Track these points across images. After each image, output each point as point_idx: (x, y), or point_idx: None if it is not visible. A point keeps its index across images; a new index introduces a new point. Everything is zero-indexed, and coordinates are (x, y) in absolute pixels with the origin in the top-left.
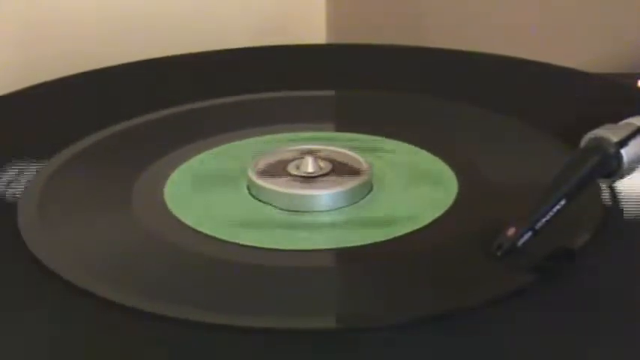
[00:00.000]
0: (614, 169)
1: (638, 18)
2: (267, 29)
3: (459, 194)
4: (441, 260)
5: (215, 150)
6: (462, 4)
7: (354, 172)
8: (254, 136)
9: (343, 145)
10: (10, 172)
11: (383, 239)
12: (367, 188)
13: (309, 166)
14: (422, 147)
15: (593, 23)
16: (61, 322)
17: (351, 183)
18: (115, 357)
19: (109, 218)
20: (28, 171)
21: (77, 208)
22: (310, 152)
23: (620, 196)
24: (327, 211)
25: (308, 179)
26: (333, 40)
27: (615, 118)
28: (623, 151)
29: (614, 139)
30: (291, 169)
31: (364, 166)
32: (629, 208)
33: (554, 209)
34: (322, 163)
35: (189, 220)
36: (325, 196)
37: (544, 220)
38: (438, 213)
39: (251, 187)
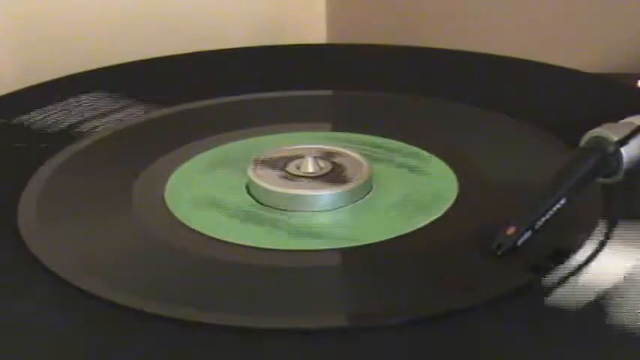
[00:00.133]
0: (614, 168)
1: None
2: (267, 29)
3: (459, 194)
4: (441, 260)
5: (215, 150)
6: (462, 4)
7: (353, 172)
8: (254, 136)
9: (343, 145)
10: (10, 172)
11: (383, 239)
12: (367, 188)
13: (309, 166)
14: (422, 147)
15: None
16: (61, 322)
17: (351, 183)
18: (115, 357)
19: (108, 218)
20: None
21: (77, 208)
22: (310, 152)
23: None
24: (327, 211)
25: (308, 179)
26: (333, 40)
27: (615, 118)
28: (623, 150)
29: (614, 137)
30: (291, 169)
31: (364, 166)
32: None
33: (554, 208)
34: (322, 163)
35: (189, 220)
36: (325, 196)
37: (544, 219)
38: (438, 213)
39: (251, 188)
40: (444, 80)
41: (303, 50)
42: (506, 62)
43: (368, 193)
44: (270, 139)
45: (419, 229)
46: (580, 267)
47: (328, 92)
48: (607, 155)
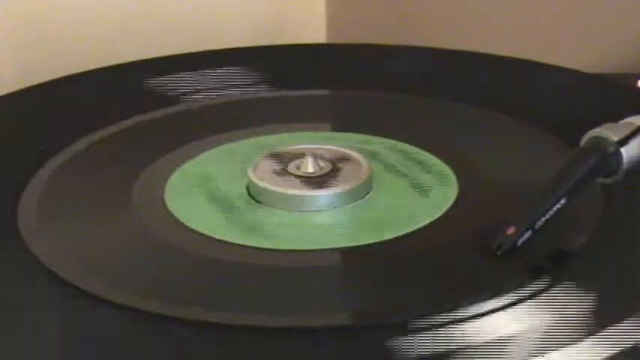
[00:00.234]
0: (614, 168)
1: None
2: (266, 29)
3: (459, 194)
4: (441, 260)
5: (215, 150)
6: (462, 4)
7: (353, 172)
8: (254, 136)
9: (343, 145)
10: (11, 172)
11: (383, 239)
12: (367, 188)
13: (309, 166)
14: (422, 147)
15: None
16: (61, 322)
17: (351, 183)
18: (115, 357)
19: (109, 218)
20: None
21: (77, 208)
22: (310, 152)
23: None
24: (327, 211)
25: (308, 179)
26: (333, 40)
27: (615, 118)
28: (623, 150)
29: (615, 137)
30: (291, 169)
31: (364, 165)
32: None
33: (554, 208)
34: (322, 163)
35: (189, 220)
36: (325, 196)
37: (544, 219)
38: (438, 213)
39: (251, 188)
40: (444, 80)
41: (303, 50)
42: (506, 62)
43: (368, 193)
44: (270, 139)
45: (419, 229)
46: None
47: (328, 92)
48: (607, 155)
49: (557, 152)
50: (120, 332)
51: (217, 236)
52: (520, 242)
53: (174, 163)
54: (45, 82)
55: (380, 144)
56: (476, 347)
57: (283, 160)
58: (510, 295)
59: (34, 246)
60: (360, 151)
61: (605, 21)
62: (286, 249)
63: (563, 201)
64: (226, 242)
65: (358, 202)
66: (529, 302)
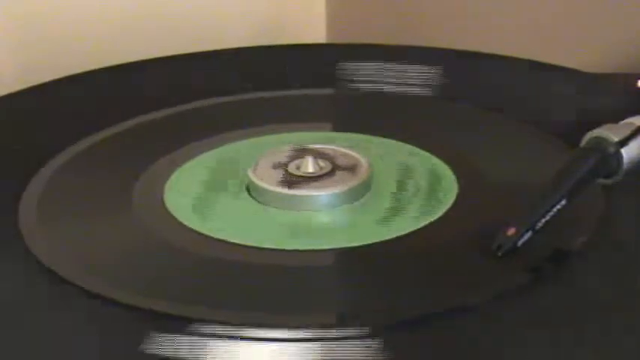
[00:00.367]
0: (614, 168)
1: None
2: (266, 29)
3: (459, 194)
4: (441, 260)
5: (215, 150)
6: (462, 3)
7: (353, 172)
8: (253, 136)
9: (343, 145)
10: (11, 172)
11: (383, 239)
12: (367, 188)
13: (309, 166)
14: (421, 147)
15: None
16: (61, 322)
17: (351, 183)
18: (115, 356)
19: (108, 218)
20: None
21: (78, 209)
22: (310, 152)
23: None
24: (327, 211)
25: (308, 179)
26: (333, 40)
27: (615, 118)
28: (624, 151)
29: (615, 138)
30: (291, 169)
31: (364, 165)
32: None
33: (555, 209)
34: (322, 163)
35: (188, 220)
36: (325, 196)
37: (544, 219)
38: (438, 213)
39: (251, 188)
40: (444, 80)
41: (303, 50)
42: (506, 62)
43: (367, 192)
44: (270, 139)
45: (419, 229)
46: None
47: (328, 92)
48: (607, 156)
49: (557, 152)
50: (120, 332)
51: (217, 236)
52: (520, 243)
53: (174, 163)
54: (45, 83)
55: (380, 144)
56: (476, 347)
57: (283, 160)
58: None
59: (35, 246)
60: (360, 151)
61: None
62: (286, 249)
63: (563, 201)
64: (226, 242)
65: (358, 201)
66: (529, 302)
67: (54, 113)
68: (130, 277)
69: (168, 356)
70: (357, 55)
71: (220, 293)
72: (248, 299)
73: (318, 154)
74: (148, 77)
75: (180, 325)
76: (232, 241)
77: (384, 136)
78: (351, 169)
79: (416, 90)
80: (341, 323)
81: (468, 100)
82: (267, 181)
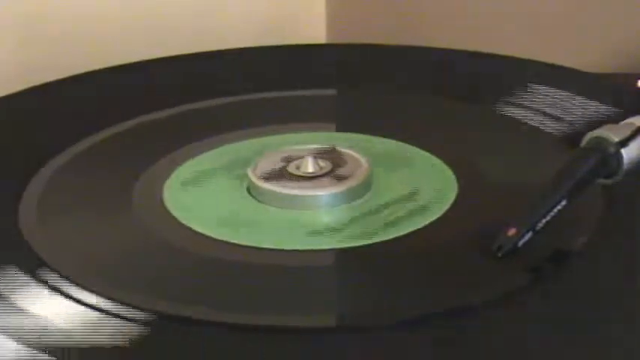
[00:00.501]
0: (615, 169)
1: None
2: (267, 29)
3: (459, 194)
4: (441, 260)
5: (215, 150)
6: (462, 3)
7: (353, 172)
8: (253, 137)
9: (343, 145)
10: (12, 172)
11: (383, 239)
12: (367, 188)
13: (309, 166)
14: (422, 147)
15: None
16: (61, 322)
17: (351, 183)
18: (115, 356)
19: (108, 218)
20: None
21: (77, 208)
22: (310, 152)
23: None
24: (327, 211)
25: (308, 179)
26: (333, 40)
27: (615, 118)
28: (624, 151)
29: (615, 138)
30: (291, 169)
31: (364, 165)
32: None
33: (555, 209)
34: (322, 163)
35: (188, 220)
36: (325, 195)
37: (544, 220)
38: (438, 213)
39: (251, 188)
40: (444, 80)
41: (303, 50)
42: (506, 62)
43: (367, 192)
44: (270, 140)
45: (419, 229)
46: (580, 267)
47: (328, 92)
48: (607, 156)
49: (557, 152)
50: (120, 331)
51: (217, 236)
52: (521, 244)
53: (174, 163)
54: (46, 83)
55: (380, 144)
56: (476, 347)
57: (283, 160)
58: (510, 295)
59: (35, 246)
60: (360, 151)
61: (605, 21)
62: (286, 249)
63: (563, 202)
64: (226, 242)
65: (358, 201)
66: (529, 302)
67: (54, 113)
68: (130, 277)
69: (167, 356)
70: (357, 55)
71: (220, 293)
72: (248, 299)
73: (318, 154)
74: (148, 77)
75: (180, 325)
76: (232, 241)
77: (384, 136)
78: (351, 168)
79: (416, 90)
80: (341, 323)
81: (467, 100)
82: (267, 181)
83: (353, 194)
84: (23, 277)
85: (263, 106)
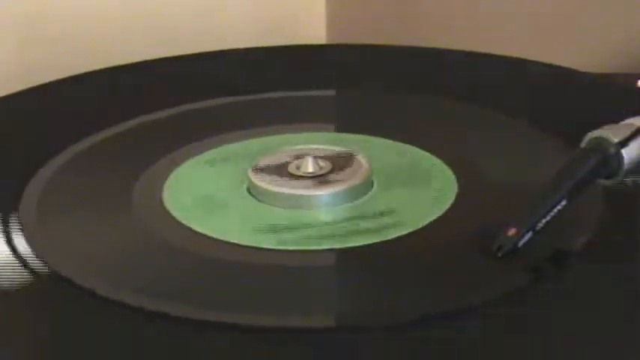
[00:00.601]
0: (615, 169)
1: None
2: (267, 29)
3: (459, 194)
4: (441, 260)
5: (215, 150)
6: (462, 4)
7: (353, 172)
8: (254, 137)
9: (343, 145)
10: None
11: (383, 239)
12: (367, 188)
13: (309, 166)
14: (422, 147)
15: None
16: (61, 322)
17: (351, 183)
18: (115, 357)
19: (108, 218)
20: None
21: (77, 208)
22: (310, 152)
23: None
24: (327, 211)
25: (308, 179)
26: (333, 40)
27: (615, 118)
28: (624, 152)
29: (615, 139)
30: (291, 169)
31: (364, 165)
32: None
33: (555, 209)
34: (322, 163)
35: (188, 220)
36: (325, 195)
37: (544, 220)
38: (438, 213)
39: (251, 188)
40: (444, 80)
41: (303, 50)
42: (506, 62)
43: (367, 192)
44: (270, 140)
45: (419, 229)
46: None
47: (328, 92)
48: (608, 156)
49: (557, 152)
50: (120, 331)
51: (217, 236)
52: (521, 244)
53: (174, 163)
54: (46, 83)
55: (380, 144)
56: (476, 347)
57: (283, 160)
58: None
59: (35, 246)
60: (360, 151)
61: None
62: (286, 249)
63: (563, 202)
64: (226, 242)
65: (358, 201)
66: (529, 302)
67: (54, 113)
68: (130, 277)
69: (167, 356)
70: (357, 55)
71: (220, 293)
72: (248, 299)
73: (318, 154)
74: (148, 77)
75: (180, 324)
76: (232, 241)
77: (384, 136)
78: (351, 169)
79: (416, 90)
80: (341, 323)
81: (467, 100)
82: (267, 181)
83: (353, 194)
84: (23, 277)
85: (263, 106)
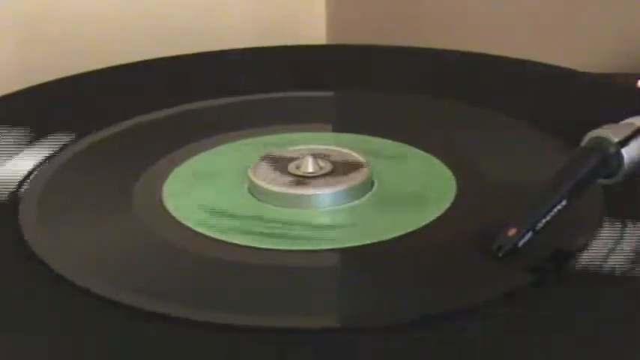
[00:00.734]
0: (615, 169)
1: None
2: (267, 29)
3: (459, 194)
4: (441, 260)
5: (214, 150)
6: (462, 4)
7: (354, 172)
8: (254, 137)
9: (343, 145)
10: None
11: (383, 239)
12: (367, 188)
13: (309, 166)
14: (422, 147)
15: (593, 23)
16: (61, 322)
17: (351, 183)
18: (115, 357)
19: (108, 218)
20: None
21: (77, 208)
22: (310, 152)
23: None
24: (327, 211)
25: (308, 179)
26: (333, 40)
27: (615, 118)
28: (624, 151)
29: (615, 138)
30: (292, 169)
31: (364, 165)
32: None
33: (555, 209)
34: (322, 163)
35: (188, 220)
36: (325, 195)
37: (545, 220)
38: (437, 213)
39: (251, 188)
40: (445, 80)
41: (303, 50)
42: (506, 62)
43: (367, 193)
44: (270, 140)
45: (419, 229)
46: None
47: (328, 92)
48: (608, 156)
49: (557, 152)
50: (120, 331)
51: (217, 236)
52: (521, 244)
53: (174, 163)
54: (45, 82)
55: (380, 144)
56: (476, 347)
57: (283, 160)
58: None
59: (35, 246)
60: (360, 151)
61: (605, 21)
62: (286, 249)
63: (564, 202)
64: (226, 242)
65: (358, 202)
66: (529, 302)
67: (54, 113)
68: (130, 277)
69: (167, 356)
70: (357, 55)
71: (220, 293)
72: (248, 300)
73: (318, 154)
74: (148, 77)
75: (180, 325)
76: (232, 241)
77: (384, 136)
78: (351, 169)
79: (416, 90)
80: (341, 324)
81: (467, 100)
82: (267, 180)
83: (353, 194)
84: (23, 278)
85: (263, 106)
